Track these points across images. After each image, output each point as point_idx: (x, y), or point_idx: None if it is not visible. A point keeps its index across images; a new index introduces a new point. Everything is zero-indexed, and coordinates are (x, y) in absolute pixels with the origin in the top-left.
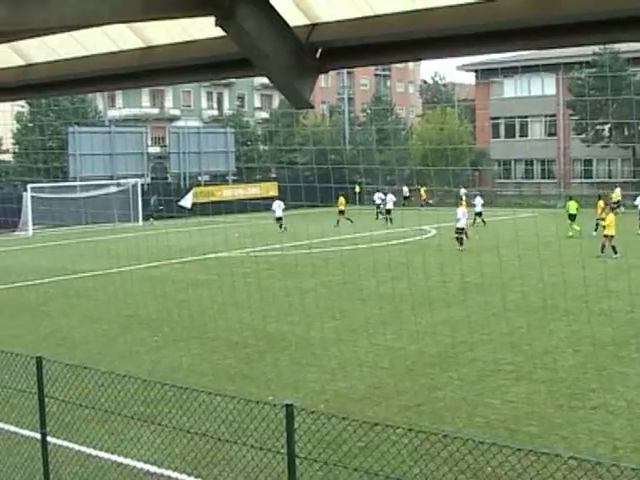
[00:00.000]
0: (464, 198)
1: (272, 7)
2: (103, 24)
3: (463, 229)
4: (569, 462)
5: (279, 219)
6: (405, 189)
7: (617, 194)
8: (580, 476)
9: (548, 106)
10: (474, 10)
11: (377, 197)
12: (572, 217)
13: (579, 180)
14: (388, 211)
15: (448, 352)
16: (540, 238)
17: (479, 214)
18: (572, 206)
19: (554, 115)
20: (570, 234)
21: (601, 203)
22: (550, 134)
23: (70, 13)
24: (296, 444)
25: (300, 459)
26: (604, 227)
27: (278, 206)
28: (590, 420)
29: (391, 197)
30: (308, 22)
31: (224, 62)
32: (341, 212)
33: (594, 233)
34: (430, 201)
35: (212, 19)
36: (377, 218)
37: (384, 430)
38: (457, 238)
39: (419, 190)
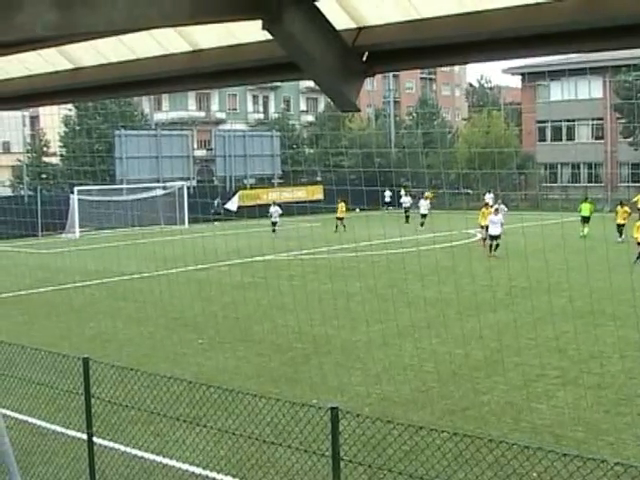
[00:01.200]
0: (490, 203)
1: (319, 11)
2: (151, 28)
3: (499, 236)
4: (615, 468)
5: (274, 224)
6: (387, 193)
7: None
8: None
9: (595, 109)
10: (523, 13)
11: (405, 201)
12: (585, 219)
13: (626, 184)
14: (423, 215)
15: (494, 356)
16: (586, 242)
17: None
18: (585, 208)
19: (601, 118)
20: (583, 234)
21: (626, 209)
22: (597, 137)
23: (119, 17)
24: (341, 447)
25: (345, 462)
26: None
27: (275, 211)
28: (637, 426)
29: (426, 202)
30: (354, 25)
31: (271, 65)
32: (339, 219)
33: (619, 239)
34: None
35: (259, 23)
36: (407, 222)
37: (429, 434)
38: (494, 245)
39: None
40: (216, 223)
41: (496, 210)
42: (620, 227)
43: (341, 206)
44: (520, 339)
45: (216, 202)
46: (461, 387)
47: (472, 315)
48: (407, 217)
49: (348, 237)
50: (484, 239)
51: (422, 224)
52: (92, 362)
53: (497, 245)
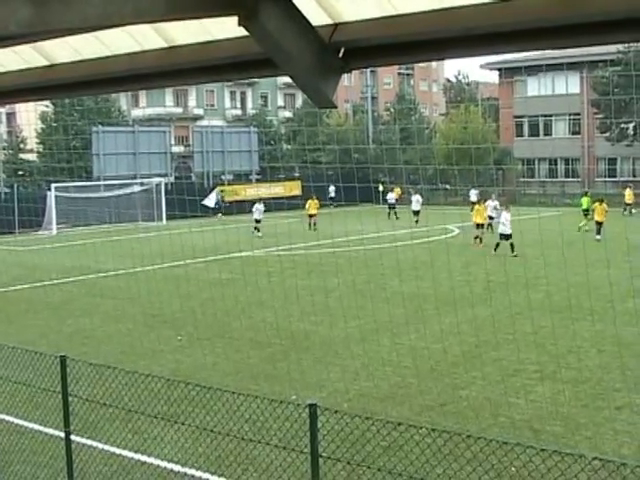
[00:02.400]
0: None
1: (295, 7)
2: (126, 24)
3: (510, 235)
4: (593, 463)
5: (257, 221)
6: (331, 189)
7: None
8: (604, 477)
9: (572, 105)
10: (498, 9)
11: (390, 197)
12: (586, 212)
13: (603, 179)
14: (415, 212)
15: (472, 352)
16: (564, 237)
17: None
18: (585, 202)
19: (578, 114)
20: (581, 225)
21: (604, 206)
22: (574, 133)
23: (93, 13)
24: (319, 443)
25: (323, 458)
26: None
27: (256, 209)
28: (615, 420)
29: (418, 197)
30: (331, 22)
31: (247, 62)
32: (311, 216)
33: (598, 236)
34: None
35: (235, 19)
36: (389, 217)
37: (407, 430)
38: (510, 245)
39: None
40: (223, 217)
41: (507, 207)
42: (599, 225)
43: (314, 203)
44: (498, 334)
45: (217, 195)
46: (439, 382)
47: (450, 310)
48: (389, 213)
49: (325, 233)
50: (478, 238)
51: (416, 221)
52: (69, 360)
53: (512, 245)
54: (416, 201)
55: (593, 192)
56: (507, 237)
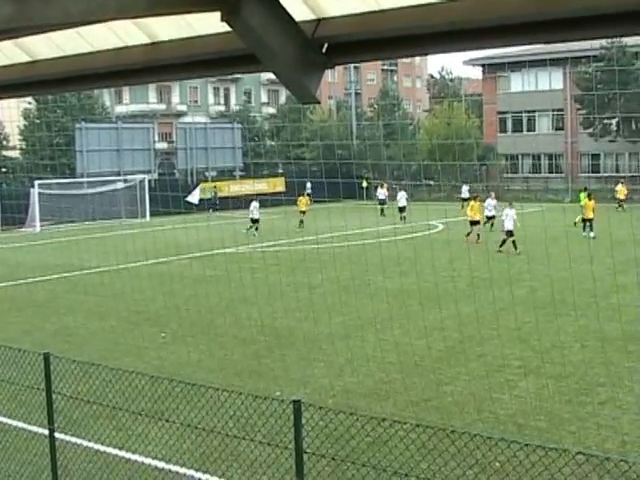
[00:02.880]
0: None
1: (278, 2)
2: (108, 20)
3: (512, 232)
4: (577, 457)
5: (255, 221)
6: (308, 185)
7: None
8: (588, 471)
9: (555, 100)
10: (481, 4)
11: (380, 193)
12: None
13: (586, 174)
14: (401, 209)
15: (456, 347)
16: (548, 233)
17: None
18: (583, 197)
19: (561, 109)
20: (577, 220)
21: (592, 202)
22: (557, 128)
23: (75, 9)
24: (304, 440)
25: (308, 454)
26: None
27: (254, 207)
28: (598, 415)
29: (403, 194)
30: (314, 17)
31: (230, 58)
32: (302, 212)
33: (591, 234)
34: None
35: (218, 14)
36: (382, 214)
37: (392, 425)
38: (513, 242)
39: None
40: (215, 213)
41: (510, 203)
42: (590, 221)
43: (304, 200)
44: (482, 330)
45: (211, 193)
46: (424, 378)
47: (434, 306)
48: (382, 210)
49: (309, 229)
50: (469, 235)
51: (403, 218)
52: (53, 357)
53: (514, 242)
54: (401, 197)
55: (576, 187)
56: (511, 234)
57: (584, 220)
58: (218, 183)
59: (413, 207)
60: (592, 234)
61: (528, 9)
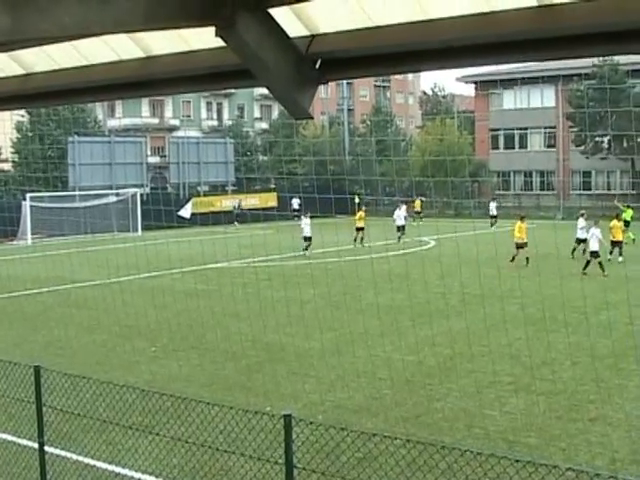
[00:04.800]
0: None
1: (272, 18)
2: (104, 34)
3: (597, 253)
4: (567, 474)
5: (307, 239)
6: (295, 201)
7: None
8: None
9: (547, 118)
10: (474, 22)
11: (399, 216)
12: (627, 224)
13: (578, 192)
14: (399, 228)
15: (447, 363)
16: (539, 250)
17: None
18: (627, 214)
19: (553, 127)
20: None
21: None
22: (549, 146)
23: (71, 23)
24: (294, 455)
25: (298, 469)
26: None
27: (306, 224)
28: (588, 432)
29: (402, 212)
30: (308, 33)
31: (224, 72)
32: (360, 229)
33: (620, 258)
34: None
35: (212, 29)
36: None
37: (382, 441)
38: (598, 263)
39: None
40: (238, 225)
41: (596, 222)
42: (619, 245)
43: (362, 214)
44: (473, 346)
45: (235, 205)
46: (414, 394)
47: (425, 322)
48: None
49: (299, 245)
50: (515, 257)
51: (399, 238)
52: (44, 370)
53: (600, 263)
54: (398, 216)
55: (568, 205)
56: (596, 255)
57: (616, 243)
58: (210, 198)
59: (406, 223)
60: (620, 258)
61: (522, 27)
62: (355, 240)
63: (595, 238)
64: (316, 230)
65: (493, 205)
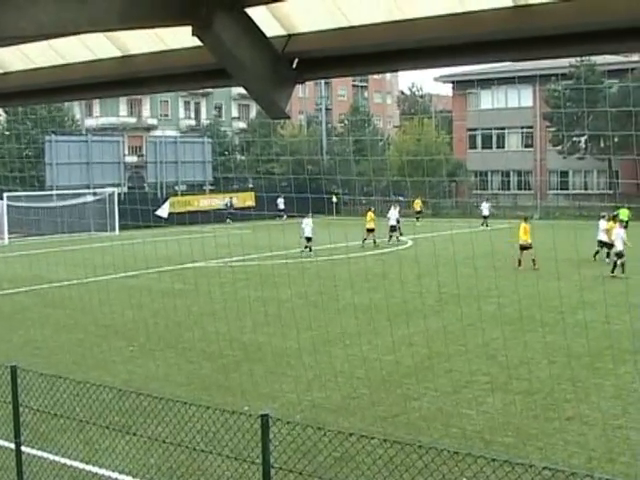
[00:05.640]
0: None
1: (249, 17)
2: (80, 33)
3: (622, 253)
4: (543, 473)
5: (309, 239)
6: (280, 200)
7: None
8: None
9: (525, 118)
10: (451, 21)
11: (392, 215)
12: (626, 224)
13: (555, 191)
14: (392, 228)
15: (424, 363)
16: (516, 249)
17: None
18: (624, 213)
19: (531, 127)
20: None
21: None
22: (527, 145)
23: (48, 21)
24: (271, 454)
25: (275, 469)
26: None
27: (307, 224)
28: (565, 431)
29: (394, 212)
30: (285, 32)
31: (201, 72)
32: (370, 230)
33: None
34: None
35: (189, 29)
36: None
37: (359, 440)
38: (620, 264)
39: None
40: (231, 222)
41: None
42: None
43: (372, 215)
44: (450, 346)
45: (226, 202)
46: (391, 394)
47: (402, 322)
48: (392, 236)
49: (278, 244)
50: (522, 261)
51: (391, 237)
52: (20, 370)
53: (622, 264)
54: (391, 215)
55: (545, 205)
56: (621, 255)
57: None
58: (188, 197)
59: (384, 223)
60: (607, 260)
61: (498, 27)
62: (364, 241)
63: (620, 239)
64: (293, 230)
65: (486, 205)
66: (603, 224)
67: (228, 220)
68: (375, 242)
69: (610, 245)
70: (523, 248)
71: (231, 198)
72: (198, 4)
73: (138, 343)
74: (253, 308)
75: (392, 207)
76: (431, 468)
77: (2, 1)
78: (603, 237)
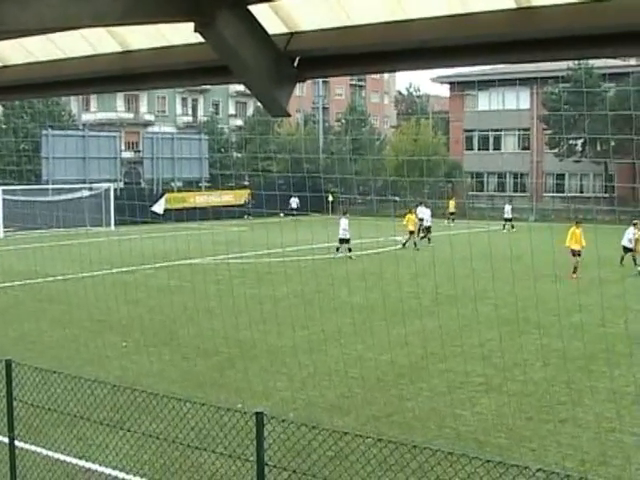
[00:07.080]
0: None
1: (252, 15)
2: (82, 27)
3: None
4: (537, 474)
5: (344, 241)
6: (293, 200)
7: None
8: None
9: (522, 120)
10: (452, 22)
11: (420, 211)
12: None
13: (551, 194)
14: (427, 229)
15: (419, 363)
16: (512, 251)
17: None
18: None
19: (528, 129)
20: None
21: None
22: (523, 148)
23: (50, 15)
24: (265, 452)
25: (269, 467)
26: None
27: (344, 224)
28: (559, 433)
29: (427, 211)
30: (287, 30)
31: (202, 68)
32: (412, 232)
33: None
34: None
35: (190, 25)
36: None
37: (353, 440)
38: (633, 258)
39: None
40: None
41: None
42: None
43: (413, 218)
44: (445, 346)
45: (246, 199)
46: (386, 393)
47: (398, 322)
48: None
49: (275, 242)
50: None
51: (429, 239)
52: (15, 364)
53: (634, 258)
54: (426, 215)
55: (541, 207)
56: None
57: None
58: (183, 194)
59: (380, 222)
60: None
61: (498, 29)
62: (405, 244)
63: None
64: (290, 228)
65: (508, 208)
66: (632, 231)
67: (247, 216)
68: (415, 244)
69: (630, 250)
70: (575, 254)
71: (250, 194)
72: (201, 1)
73: (133, 339)
74: (249, 306)
75: (423, 207)
76: (425, 468)
77: None
78: (628, 244)
